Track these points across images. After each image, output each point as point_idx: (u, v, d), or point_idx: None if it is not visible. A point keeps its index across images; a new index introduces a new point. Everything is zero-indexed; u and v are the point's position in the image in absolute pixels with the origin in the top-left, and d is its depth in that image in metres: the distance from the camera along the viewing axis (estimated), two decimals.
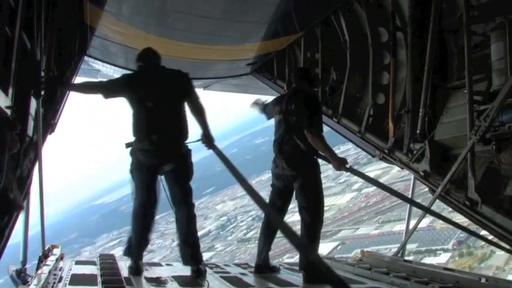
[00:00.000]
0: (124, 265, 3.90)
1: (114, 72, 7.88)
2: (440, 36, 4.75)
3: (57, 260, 3.72)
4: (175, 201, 3.77)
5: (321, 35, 6.85)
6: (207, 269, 4.27)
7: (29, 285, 2.98)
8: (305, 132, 3.84)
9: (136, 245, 3.78)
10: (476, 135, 4.03)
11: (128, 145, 3.78)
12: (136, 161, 3.74)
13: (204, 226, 59.11)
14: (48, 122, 4.70)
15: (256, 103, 4.67)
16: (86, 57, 7.24)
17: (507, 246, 4.12)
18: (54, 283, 3.10)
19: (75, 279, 3.29)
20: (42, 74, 3.75)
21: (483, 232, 4.48)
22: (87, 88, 4.12)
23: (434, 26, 4.67)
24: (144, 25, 6.43)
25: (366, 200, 47.80)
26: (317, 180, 4.03)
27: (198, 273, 3.68)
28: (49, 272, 3.15)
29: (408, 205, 5.25)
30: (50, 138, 5.02)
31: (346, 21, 6.28)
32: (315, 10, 6.41)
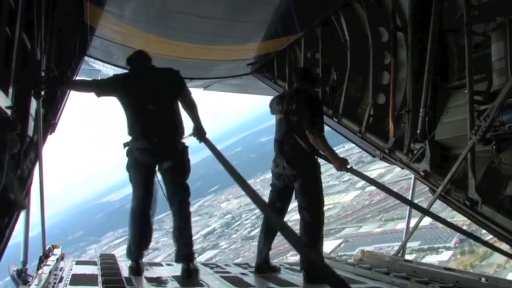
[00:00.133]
0: (125, 265, 3.91)
1: (115, 72, 7.86)
2: (440, 36, 4.75)
3: (57, 260, 3.72)
4: (172, 199, 3.78)
5: (321, 35, 6.85)
6: (208, 269, 4.27)
7: (29, 285, 2.98)
8: (306, 132, 3.85)
9: (136, 245, 3.78)
10: (476, 135, 4.03)
11: (126, 145, 3.79)
12: (133, 160, 3.76)
13: (209, 224, 59.45)
14: (48, 122, 4.71)
15: None
16: (86, 58, 7.23)
17: (506, 247, 4.12)
18: (54, 283, 3.10)
19: (76, 279, 3.29)
20: (43, 74, 3.75)
21: (483, 232, 4.49)
22: (80, 86, 4.20)
23: (435, 26, 4.66)
24: (144, 25, 6.43)
25: (370, 198, 47.84)
26: (317, 180, 4.04)
27: (189, 273, 3.67)
28: (50, 272, 3.16)
29: (405, 206, 5.25)
30: (50, 138, 5.03)
31: (347, 21, 6.28)
32: (315, 10, 6.40)
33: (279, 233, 4.20)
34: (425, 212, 4.30)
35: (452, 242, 34.01)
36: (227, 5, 5.82)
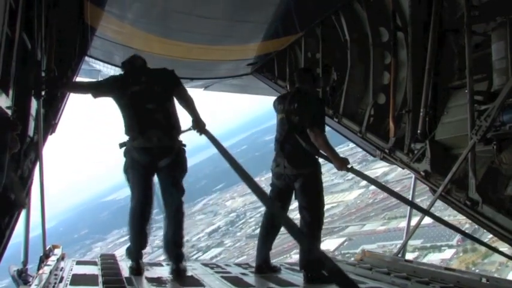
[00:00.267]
0: (125, 265, 3.91)
1: (115, 73, 7.87)
2: (441, 36, 4.75)
3: (58, 260, 3.72)
4: (166, 197, 3.78)
5: (321, 35, 6.85)
6: (208, 269, 4.28)
7: (30, 285, 2.98)
8: (308, 131, 3.85)
9: (136, 245, 3.78)
10: (477, 135, 4.03)
11: (121, 145, 3.80)
12: (130, 160, 3.76)
13: (214, 222, 59.51)
14: (48, 122, 4.71)
15: None
16: (86, 58, 7.24)
17: (505, 248, 4.12)
18: (55, 283, 3.10)
19: (76, 279, 3.29)
20: (43, 74, 3.76)
21: (485, 231, 4.48)
22: (77, 88, 4.24)
23: (435, 26, 4.66)
24: (144, 25, 6.43)
25: (373, 196, 47.81)
26: (318, 180, 4.04)
27: (178, 272, 3.66)
28: (50, 272, 3.15)
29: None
30: (50, 138, 5.03)
31: (347, 21, 6.28)
32: (316, 10, 6.40)
33: (279, 233, 4.23)
34: (425, 212, 4.30)
35: (455, 240, 34.08)
36: (227, 5, 5.82)
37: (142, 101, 3.67)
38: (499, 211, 3.94)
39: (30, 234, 3.65)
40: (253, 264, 4.32)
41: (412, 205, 4.77)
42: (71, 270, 3.63)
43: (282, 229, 3.56)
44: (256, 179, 3.08)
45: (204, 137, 3.74)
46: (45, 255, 3.73)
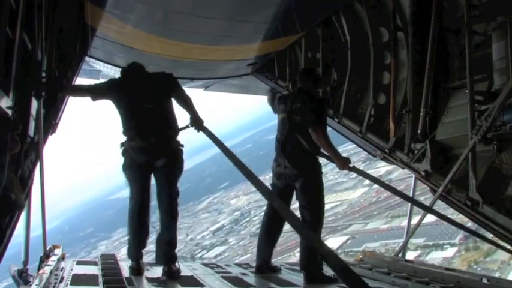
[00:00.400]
0: (125, 265, 3.90)
1: (115, 73, 7.88)
2: (441, 35, 4.75)
3: (58, 260, 3.73)
4: (161, 197, 3.78)
5: (321, 35, 6.85)
6: (208, 269, 4.27)
7: (30, 285, 2.98)
8: (310, 131, 3.86)
9: (135, 245, 3.78)
10: (477, 135, 4.03)
11: (122, 145, 3.83)
12: (129, 159, 3.78)
13: (218, 221, 59.75)
14: (49, 122, 4.71)
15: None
16: (87, 58, 7.25)
17: (508, 246, 4.11)
18: (55, 283, 3.10)
19: (77, 279, 3.30)
20: (43, 74, 3.76)
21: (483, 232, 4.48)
22: (76, 91, 4.26)
23: (435, 26, 4.66)
24: (144, 25, 6.43)
25: (377, 195, 47.87)
26: (318, 180, 4.04)
27: (170, 274, 3.65)
28: (50, 272, 3.16)
29: (409, 204, 5.25)
30: (51, 138, 5.03)
31: (347, 21, 6.28)
32: (316, 10, 6.41)
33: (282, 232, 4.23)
34: (428, 209, 4.30)
35: (457, 238, 34.16)
36: (228, 5, 5.82)
37: (140, 102, 3.70)
38: (499, 211, 3.94)
39: (30, 234, 3.65)
40: (254, 264, 4.32)
41: (414, 202, 4.77)
42: (71, 270, 3.63)
43: (285, 227, 3.57)
44: (261, 178, 3.06)
45: (206, 136, 3.75)
46: (46, 255, 3.73)
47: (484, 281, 3.44)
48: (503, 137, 3.97)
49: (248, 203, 60.19)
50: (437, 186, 4.60)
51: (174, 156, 3.84)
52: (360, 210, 47.76)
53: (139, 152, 3.72)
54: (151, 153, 3.74)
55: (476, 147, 4.09)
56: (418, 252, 32.79)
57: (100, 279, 3.26)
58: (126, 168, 3.80)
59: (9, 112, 2.77)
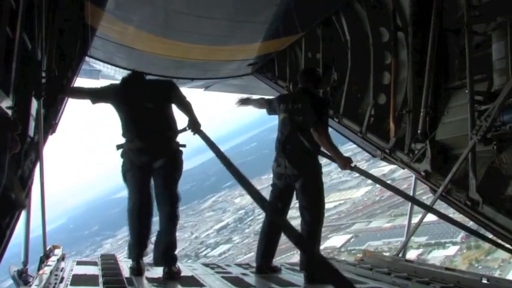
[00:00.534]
0: (126, 265, 3.90)
1: (115, 73, 7.88)
2: (441, 36, 4.75)
3: (58, 261, 3.72)
4: (160, 197, 3.79)
5: (322, 35, 6.85)
6: (208, 269, 4.27)
7: (30, 285, 2.98)
8: (311, 131, 3.86)
9: (135, 246, 3.78)
10: (477, 135, 4.02)
11: (118, 147, 3.84)
12: (128, 161, 3.79)
13: (223, 219, 60.02)
14: (49, 122, 4.71)
15: (244, 102, 4.71)
16: (87, 58, 7.25)
17: (508, 246, 4.11)
18: (55, 283, 3.10)
19: (77, 279, 3.30)
20: (44, 74, 3.76)
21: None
22: (76, 94, 4.27)
23: (435, 26, 4.66)
24: (145, 25, 6.43)
25: (380, 194, 47.95)
26: (319, 180, 4.04)
27: (170, 275, 3.65)
28: (50, 273, 3.16)
29: (410, 204, 5.25)
30: (51, 138, 5.03)
31: (347, 21, 6.28)
32: (316, 10, 6.40)
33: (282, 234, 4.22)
34: (429, 208, 4.30)
35: (459, 237, 34.27)
36: (228, 6, 5.82)
37: (140, 105, 3.73)
38: (499, 211, 3.94)
39: (31, 234, 3.65)
40: (254, 265, 4.32)
41: (415, 202, 4.77)
42: (72, 270, 3.63)
43: None
44: (265, 177, 3.07)
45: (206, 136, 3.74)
46: (46, 256, 3.74)
47: (484, 280, 3.44)
48: (503, 137, 3.96)
49: (252, 202, 60.06)
50: (437, 186, 4.60)
51: (173, 156, 3.84)
52: (364, 208, 47.94)
53: (138, 153, 3.73)
54: (150, 154, 3.74)
55: (476, 147, 4.09)
56: (420, 250, 32.89)
57: (100, 280, 3.26)
58: (125, 169, 3.80)
59: (9, 112, 2.77)
